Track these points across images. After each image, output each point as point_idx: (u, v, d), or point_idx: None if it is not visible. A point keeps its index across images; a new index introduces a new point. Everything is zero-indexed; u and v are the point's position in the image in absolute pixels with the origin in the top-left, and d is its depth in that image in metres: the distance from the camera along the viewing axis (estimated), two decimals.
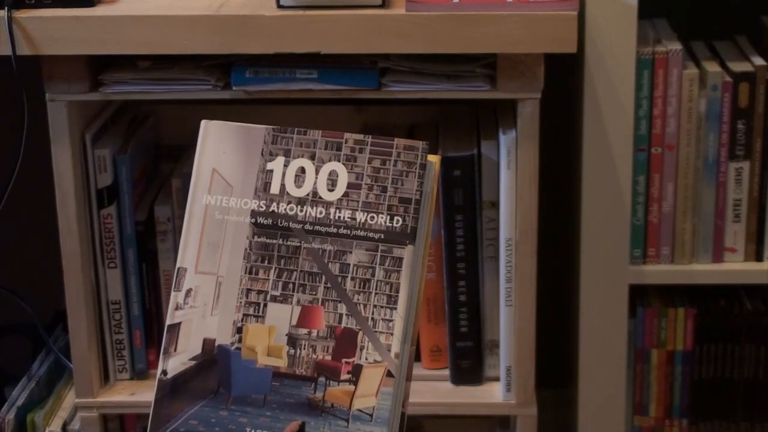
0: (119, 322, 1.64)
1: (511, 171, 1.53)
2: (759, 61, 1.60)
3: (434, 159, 0.91)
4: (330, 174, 0.92)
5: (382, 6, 1.45)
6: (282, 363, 0.90)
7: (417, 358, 1.68)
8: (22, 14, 1.46)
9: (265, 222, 0.92)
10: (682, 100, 1.59)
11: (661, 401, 1.72)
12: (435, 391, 1.65)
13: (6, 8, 1.45)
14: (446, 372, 1.66)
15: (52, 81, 1.51)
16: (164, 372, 0.93)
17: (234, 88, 1.51)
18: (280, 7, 1.45)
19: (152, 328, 1.66)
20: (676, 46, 1.58)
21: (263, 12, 1.45)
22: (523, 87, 1.49)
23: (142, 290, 1.64)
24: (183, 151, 1.70)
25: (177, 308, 0.94)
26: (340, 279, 0.90)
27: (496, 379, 1.64)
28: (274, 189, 0.93)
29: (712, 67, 1.60)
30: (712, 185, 1.62)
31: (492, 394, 1.64)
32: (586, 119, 1.58)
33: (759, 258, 1.65)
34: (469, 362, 1.65)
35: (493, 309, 1.62)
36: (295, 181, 0.92)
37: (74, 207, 1.55)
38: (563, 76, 1.63)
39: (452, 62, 1.49)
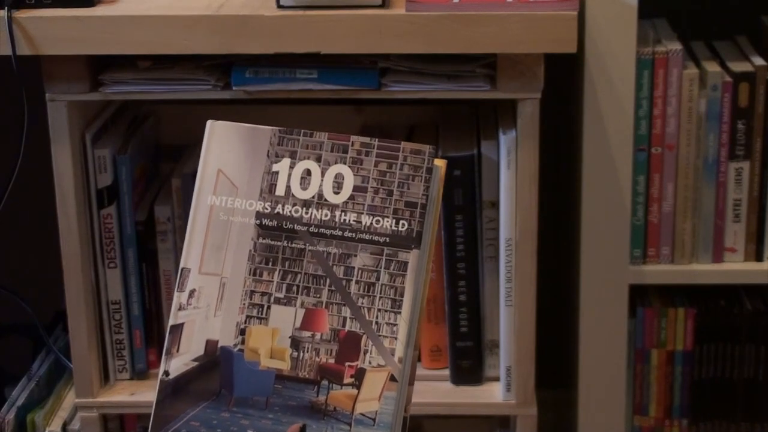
0: (119, 322, 1.64)
1: (511, 171, 1.53)
2: (759, 61, 1.61)
3: (440, 163, 0.91)
4: (336, 176, 0.91)
5: (382, 6, 1.45)
6: (285, 365, 0.89)
7: (417, 358, 1.68)
8: (22, 14, 1.46)
9: (270, 224, 0.92)
10: (682, 100, 1.59)
11: (661, 401, 1.72)
12: (435, 391, 1.65)
13: (6, 8, 1.45)
14: (446, 372, 1.66)
15: (52, 81, 1.51)
16: (166, 373, 0.93)
17: (234, 88, 1.51)
18: (280, 7, 1.45)
19: (152, 328, 1.66)
20: (676, 46, 1.58)
21: (263, 12, 1.45)
22: (523, 87, 1.49)
23: (142, 290, 1.64)
24: (183, 151, 1.70)
25: (180, 309, 0.93)
26: (344, 282, 0.89)
27: (496, 379, 1.64)
28: (280, 191, 0.92)
29: (712, 67, 1.60)
30: (712, 185, 1.62)
31: (492, 394, 1.64)
32: (586, 119, 1.58)
33: (759, 258, 1.65)
34: (469, 362, 1.65)
35: (493, 309, 1.62)
36: (300, 183, 0.92)
37: (74, 207, 1.55)
38: (563, 76, 1.63)
39: (452, 62, 1.49)
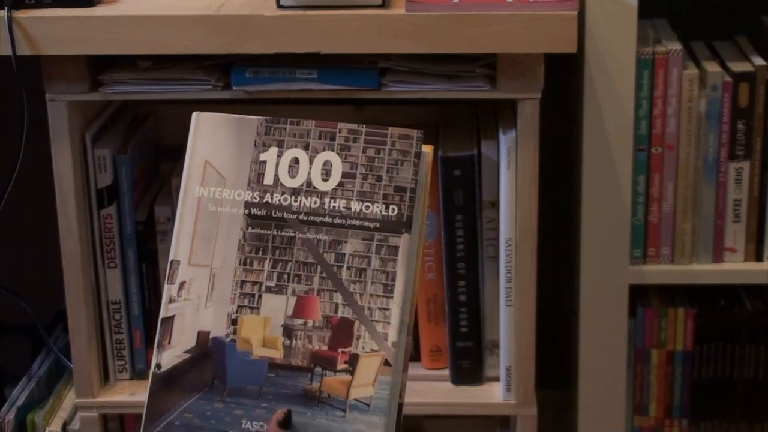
0: (119, 322, 1.64)
1: (511, 171, 1.53)
2: (759, 61, 1.60)
3: (428, 149, 0.91)
4: (324, 164, 0.91)
5: (382, 6, 1.45)
6: (278, 354, 0.89)
7: (417, 358, 1.68)
8: (22, 14, 1.46)
9: (259, 213, 0.92)
10: (682, 100, 1.59)
11: (661, 401, 1.72)
12: (435, 391, 1.65)
13: (6, 8, 1.45)
14: (446, 372, 1.66)
15: (52, 81, 1.51)
16: (158, 366, 0.93)
17: (234, 88, 1.51)
18: (280, 7, 1.45)
19: (152, 328, 1.66)
20: (676, 46, 1.58)
21: (263, 12, 1.45)
22: (523, 87, 1.49)
23: (142, 290, 1.64)
24: (183, 151, 1.69)
25: (170, 301, 0.93)
26: (335, 268, 0.89)
27: (496, 379, 1.64)
28: (268, 180, 0.92)
29: (712, 67, 1.60)
30: (712, 185, 1.62)
31: (492, 394, 1.64)
32: (586, 119, 1.58)
33: (759, 258, 1.65)
34: (469, 362, 1.65)
35: (493, 309, 1.62)
36: (288, 172, 0.91)
37: (74, 207, 1.55)
38: (563, 76, 1.63)
39: (452, 62, 1.49)
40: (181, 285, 0.93)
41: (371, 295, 0.88)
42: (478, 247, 1.60)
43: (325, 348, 0.88)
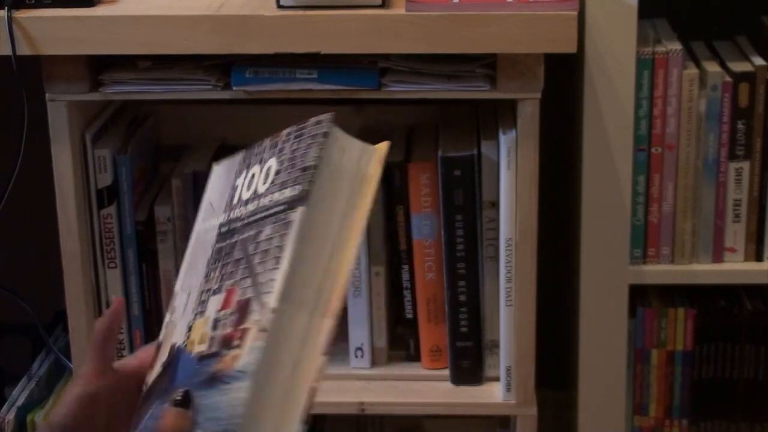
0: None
1: (511, 171, 1.53)
2: (759, 61, 1.60)
3: (382, 145, 0.92)
4: (266, 170, 0.94)
5: (382, 6, 1.45)
6: (204, 347, 0.91)
7: (417, 358, 1.68)
8: (22, 14, 1.46)
9: (224, 230, 0.96)
10: (682, 100, 1.59)
11: (661, 401, 1.72)
12: (435, 391, 1.65)
13: (6, 8, 1.45)
14: (446, 372, 1.66)
15: (52, 81, 1.51)
16: (146, 384, 0.97)
17: (234, 88, 1.51)
18: (280, 7, 1.46)
19: (152, 328, 1.66)
20: (676, 46, 1.58)
21: (263, 12, 1.45)
22: (523, 87, 1.49)
23: (142, 290, 1.64)
24: (183, 151, 1.70)
25: (165, 327, 0.99)
26: (252, 257, 0.91)
27: (496, 379, 1.64)
28: (235, 200, 0.96)
29: (712, 67, 1.60)
30: (712, 185, 1.62)
31: (492, 394, 1.64)
32: (586, 119, 1.58)
33: (759, 258, 1.65)
34: (469, 362, 1.65)
35: (493, 309, 1.62)
36: (247, 187, 0.95)
37: (74, 207, 1.55)
38: (563, 76, 1.63)
39: (452, 62, 1.49)
40: (173, 310, 0.99)
41: (267, 270, 0.88)
42: (478, 247, 1.60)
43: (230, 330, 0.89)
